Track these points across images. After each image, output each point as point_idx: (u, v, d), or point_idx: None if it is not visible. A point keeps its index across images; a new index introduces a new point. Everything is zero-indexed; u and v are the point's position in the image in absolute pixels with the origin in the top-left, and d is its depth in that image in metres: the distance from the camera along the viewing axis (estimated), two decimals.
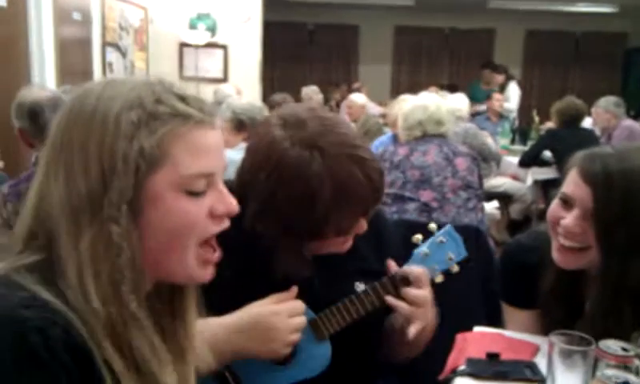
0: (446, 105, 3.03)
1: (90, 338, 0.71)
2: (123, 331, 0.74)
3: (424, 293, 1.22)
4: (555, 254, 1.31)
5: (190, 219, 0.78)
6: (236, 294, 1.17)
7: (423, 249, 1.27)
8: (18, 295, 0.70)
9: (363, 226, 1.20)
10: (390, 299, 1.22)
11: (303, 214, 1.11)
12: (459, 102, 4.79)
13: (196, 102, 0.80)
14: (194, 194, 0.78)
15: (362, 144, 1.16)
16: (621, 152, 1.28)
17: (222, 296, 1.17)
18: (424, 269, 1.24)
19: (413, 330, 1.21)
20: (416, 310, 1.21)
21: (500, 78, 7.60)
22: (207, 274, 0.84)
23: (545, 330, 1.33)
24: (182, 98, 0.79)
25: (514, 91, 7.48)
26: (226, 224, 0.84)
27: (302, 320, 1.16)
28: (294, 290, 1.18)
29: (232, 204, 0.83)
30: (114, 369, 0.72)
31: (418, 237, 1.28)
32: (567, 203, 1.28)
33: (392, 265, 1.25)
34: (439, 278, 1.28)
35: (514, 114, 7.15)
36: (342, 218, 1.14)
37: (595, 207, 1.22)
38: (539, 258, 1.37)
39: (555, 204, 1.32)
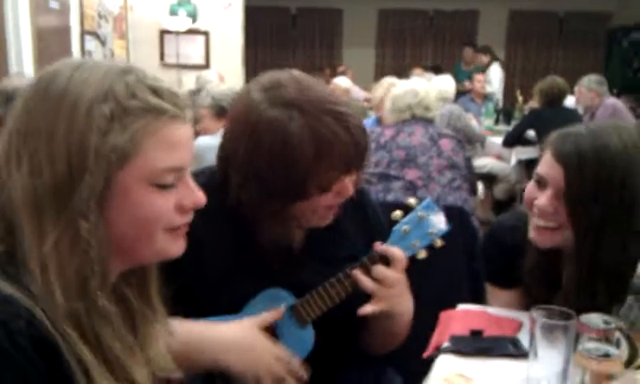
0: (434, 90, 3.07)
1: (55, 330, 0.70)
2: (90, 325, 0.73)
3: (394, 274, 1.19)
4: (532, 234, 1.32)
5: (157, 212, 0.78)
6: (224, 276, 1.16)
7: (403, 225, 1.24)
8: None
9: (348, 188, 1.16)
10: (356, 273, 1.19)
11: (285, 175, 1.08)
12: (446, 84, 4.80)
13: (170, 95, 0.79)
14: (162, 187, 0.78)
15: (342, 102, 1.13)
16: (593, 130, 1.28)
17: (211, 279, 1.16)
18: (401, 251, 1.21)
19: (368, 309, 1.18)
20: (381, 289, 1.18)
21: (484, 58, 7.60)
22: (179, 247, 0.84)
23: (527, 309, 1.34)
24: (156, 91, 0.77)
25: (495, 73, 7.49)
26: (191, 216, 0.84)
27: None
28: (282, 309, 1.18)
29: (199, 197, 0.83)
30: (83, 359, 0.71)
31: (398, 213, 1.25)
32: (541, 183, 1.29)
33: (377, 245, 1.23)
34: (422, 254, 1.25)
35: (497, 96, 7.16)
36: (325, 173, 1.10)
37: (567, 186, 1.23)
38: (521, 237, 1.38)
39: (530, 185, 1.33)
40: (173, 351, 0.95)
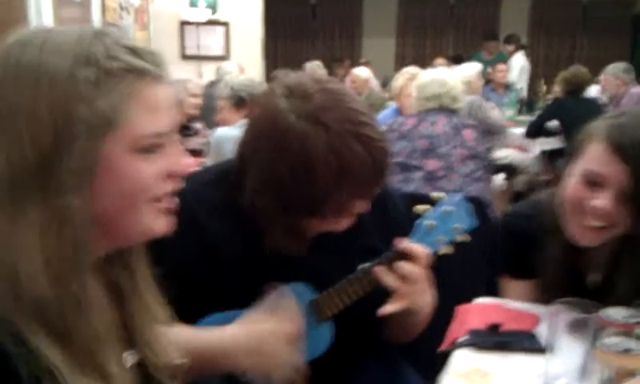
0: (461, 82, 3.04)
1: (10, 330, 0.65)
2: (59, 315, 0.67)
3: (417, 270, 1.16)
4: (578, 233, 1.25)
5: (143, 180, 0.73)
6: (239, 269, 1.15)
7: (428, 220, 1.20)
8: None
9: (364, 207, 1.15)
10: (379, 271, 1.16)
11: (303, 191, 1.06)
12: (471, 71, 4.73)
13: (149, 54, 0.74)
14: (148, 153, 0.73)
15: (369, 121, 1.10)
16: None
17: (225, 272, 1.16)
18: (425, 248, 1.18)
19: (390, 308, 1.15)
20: (404, 287, 1.15)
21: (509, 48, 7.49)
22: (165, 224, 0.79)
23: (543, 300, 1.32)
24: (135, 51, 0.72)
25: (517, 61, 7.38)
26: (180, 183, 0.79)
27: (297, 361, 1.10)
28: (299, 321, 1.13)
29: (185, 164, 0.79)
30: (50, 363, 0.66)
31: (424, 206, 1.21)
32: (595, 183, 1.20)
33: (400, 241, 1.19)
34: (446, 250, 1.21)
35: (519, 85, 7.06)
36: (342, 198, 1.09)
37: (634, 185, 1.15)
38: (537, 226, 1.35)
39: (579, 183, 1.24)
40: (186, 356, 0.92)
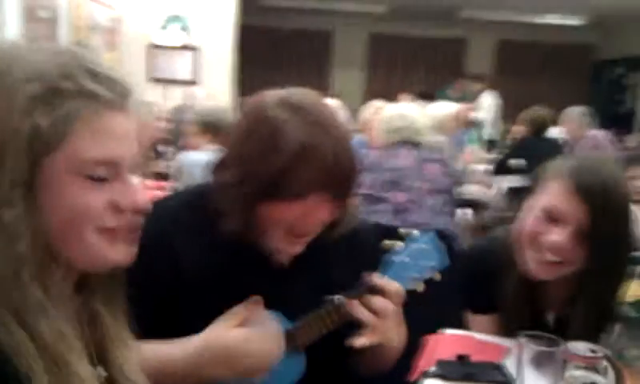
0: (425, 115, 3.10)
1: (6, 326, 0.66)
2: (31, 319, 0.68)
3: (390, 306, 1.15)
4: (533, 266, 1.28)
5: (84, 207, 0.72)
6: (209, 295, 1.13)
7: (403, 257, 1.20)
8: None
9: (319, 214, 1.12)
10: (352, 304, 1.15)
11: (262, 160, 1.07)
12: (444, 110, 4.73)
13: (108, 80, 0.73)
14: (93, 180, 0.72)
15: (341, 126, 1.14)
16: (603, 163, 1.25)
17: (195, 298, 1.14)
18: (398, 285, 1.17)
19: (361, 341, 1.14)
20: (377, 321, 1.14)
21: (477, 86, 7.70)
22: (120, 252, 0.77)
23: (506, 334, 1.33)
24: (94, 75, 0.72)
25: (485, 101, 7.59)
26: (131, 219, 0.76)
27: (279, 345, 1.11)
28: (257, 299, 1.12)
29: (138, 200, 0.76)
30: (30, 359, 0.67)
31: (399, 243, 1.21)
32: (553, 218, 1.23)
33: (373, 276, 1.19)
34: (420, 287, 1.21)
35: (487, 123, 7.26)
36: (299, 179, 1.07)
37: (592, 225, 1.18)
38: (497, 263, 1.36)
39: (537, 218, 1.26)
40: (152, 375, 0.92)
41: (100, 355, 0.81)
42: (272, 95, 1.13)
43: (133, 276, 0.86)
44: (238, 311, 1.10)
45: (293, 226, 1.12)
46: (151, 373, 0.92)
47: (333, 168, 1.08)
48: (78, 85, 0.70)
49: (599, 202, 1.18)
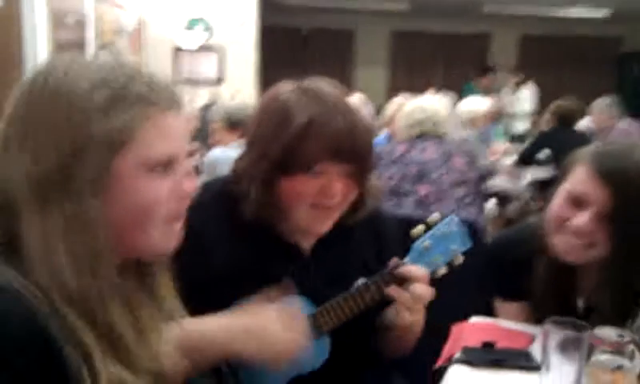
0: (445, 108, 3.10)
1: (54, 318, 0.71)
2: (94, 305, 0.74)
3: (428, 291, 1.19)
4: (560, 249, 1.29)
5: (153, 198, 0.80)
6: (235, 284, 1.16)
7: (424, 241, 1.22)
8: None
9: (333, 187, 1.15)
10: (394, 290, 1.18)
11: (274, 137, 1.13)
12: (478, 106, 4.78)
13: (163, 86, 0.81)
14: (157, 174, 0.79)
15: (356, 112, 1.18)
16: (628, 147, 1.25)
17: (221, 287, 1.16)
18: (423, 269, 1.20)
19: (409, 317, 1.21)
20: (415, 306, 1.19)
21: (514, 79, 7.68)
22: (173, 243, 0.85)
23: (536, 322, 1.33)
24: (150, 82, 0.80)
25: (526, 93, 7.55)
26: (187, 204, 0.86)
27: (305, 335, 1.12)
28: (290, 284, 1.16)
29: (193, 184, 0.85)
30: (85, 345, 0.72)
31: (419, 228, 1.24)
32: (577, 202, 1.25)
33: (398, 263, 1.22)
34: (442, 271, 1.24)
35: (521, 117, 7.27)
36: (309, 150, 1.11)
37: (614, 208, 1.19)
38: (527, 250, 1.37)
39: (561, 202, 1.28)
40: (182, 347, 0.96)
41: (141, 335, 0.84)
42: (286, 84, 1.20)
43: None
44: (272, 294, 1.14)
45: (314, 201, 1.16)
46: (191, 345, 0.98)
47: (342, 139, 1.13)
48: (138, 90, 0.78)
49: (621, 185, 1.19)
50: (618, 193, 1.19)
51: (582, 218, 1.23)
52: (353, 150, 1.15)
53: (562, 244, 1.28)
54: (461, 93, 6.77)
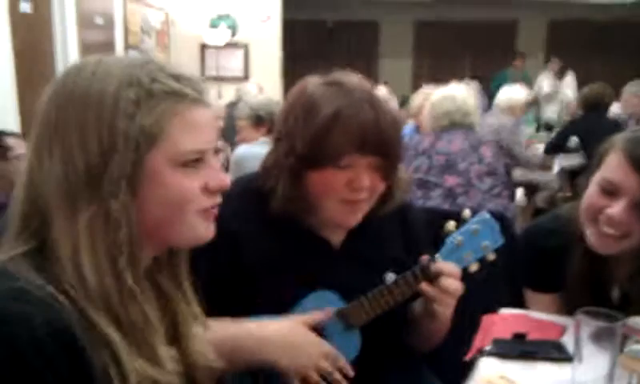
0: (472, 97, 3.06)
1: (80, 318, 0.72)
2: (121, 304, 0.75)
3: (460, 286, 1.20)
4: (594, 240, 1.27)
5: (185, 194, 0.80)
6: (265, 277, 1.18)
7: (456, 237, 1.22)
8: (6, 287, 0.70)
9: (362, 179, 1.16)
10: (425, 287, 1.19)
11: (304, 128, 1.14)
12: (519, 95, 4.77)
13: (189, 81, 0.81)
14: (188, 168, 0.80)
15: (383, 105, 1.18)
16: None
17: (252, 280, 1.19)
18: (455, 266, 1.21)
19: (438, 310, 1.21)
20: (445, 300, 1.20)
21: (553, 66, 7.57)
22: (210, 231, 0.86)
23: (568, 313, 1.32)
24: (176, 77, 0.80)
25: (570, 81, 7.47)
26: (219, 198, 0.86)
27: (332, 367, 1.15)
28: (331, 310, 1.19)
29: (224, 179, 0.85)
30: (112, 343, 0.73)
31: (452, 224, 1.23)
32: (611, 191, 1.23)
33: (429, 259, 1.22)
34: (474, 267, 1.23)
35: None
36: (336, 142, 1.12)
37: None
38: (561, 241, 1.35)
39: (595, 191, 1.26)
40: (219, 348, 0.97)
41: (171, 333, 0.87)
42: (312, 78, 1.21)
43: (197, 265, 0.91)
44: (316, 316, 1.16)
45: (342, 195, 1.16)
46: (219, 347, 0.97)
47: (369, 131, 1.13)
48: (166, 86, 0.78)
49: None
50: None
51: (616, 208, 1.21)
52: (380, 142, 1.14)
53: (595, 235, 1.26)
54: (492, 81, 6.70)
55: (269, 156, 1.24)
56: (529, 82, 7.22)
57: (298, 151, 1.14)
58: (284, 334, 1.12)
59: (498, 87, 5.48)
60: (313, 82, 1.19)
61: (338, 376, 1.14)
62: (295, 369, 1.12)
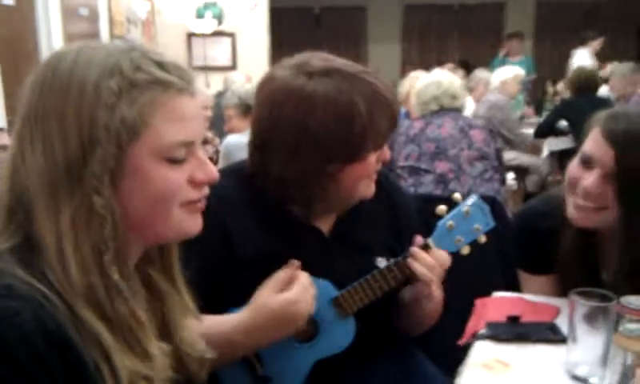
0: (458, 80, 3.08)
1: (69, 315, 0.70)
2: (108, 301, 0.73)
3: (448, 257, 1.23)
4: (571, 212, 1.29)
5: (170, 187, 0.78)
6: (256, 267, 1.17)
7: (448, 220, 1.23)
8: None
9: (386, 152, 1.21)
10: (411, 261, 1.20)
11: (344, 134, 1.11)
12: (509, 73, 4.93)
13: (175, 68, 0.78)
14: (174, 161, 0.77)
15: (366, 68, 1.20)
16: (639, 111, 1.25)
17: (243, 270, 1.18)
18: (444, 253, 1.22)
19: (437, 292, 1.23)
20: (430, 277, 1.20)
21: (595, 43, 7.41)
22: (196, 224, 0.84)
23: (562, 295, 1.32)
24: (161, 65, 0.77)
25: (581, 58, 7.38)
26: (206, 191, 0.83)
27: (313, 291, 1.15)
28: (295, 263, 1.16)
29: (211, 172, 0.82)
30: (102, 341, 0.71)
31: (443, 208, 1.24)
32: (587, 163, 1.25)
33: (418, 240, 1.23)
34: (466, 250, 1.24)
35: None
36: (379, 126, 1.15)
37: (617, 167, 1.19)
38: (553, 222, 1.35)
39: (575, 163, 1.29)
40: (210, 341, 0.95)
41: (163, 327, 0.85)
42: (283, 69, 1.16)
43: (188, 256, 0.90)
44: (280, 276, 1.14)
45: (373, 171, 1.21)
46: (209, 343, 0.95)
47: (394, 102, 1.18)
48: (150, 75, 0.75)
49: (623, 145, 1.19)
50: (620, 151, 1.19)
51: (589, 179, 1.23)
52: (397, 107, 1.20)
53: (572, 206, 1.28)
54: (490, 64, 6.69)
55: (284, 170, 1.15)
56: (530, 67, 7.14)
57: (337, 155, 1.13)
58: (267, 316, 1.11)
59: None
60: (300, 82, 1.12)
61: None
62: (289, 332, 1.13)
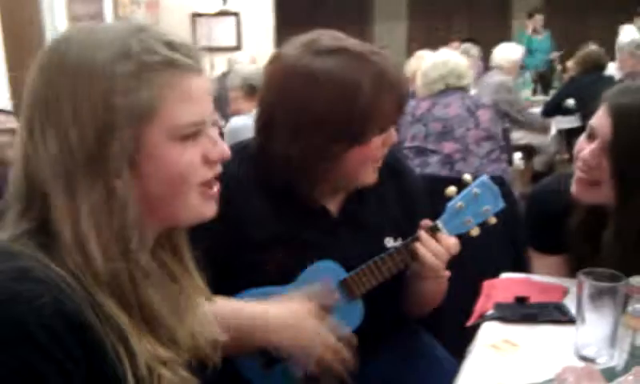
0: (464, 59, 3.06)
1: (88, 298, 0.70)
2: (133, 287, 0.73)
3: (456, 242, 1.22)
4: (572, 186, 1.30)
5: (186, 166, 0.77)
6: (265, 247, 1.17)
7: (457, 201, 1.22)
8: (11, 266, 0.68)
9: (392, 135, 1.20)
10: (417, 246, 1.20)
11: (348, 112, 1.10)
12: (514, 52, 4.87)
13: (184, 47, 0.77)
14: (187, 141, 0.77)
15: (372, 45, 1.19)
16: None
17: (253, 251, 1.18)
18: (454, 239, 1.22)
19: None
20: (437, 262, 1.20)
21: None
22: (211, 208, 0.84)
23: (572, 274, 1.32)
24: (170, 45, 0.76)
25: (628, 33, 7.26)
26: (219, 169, 0.83)
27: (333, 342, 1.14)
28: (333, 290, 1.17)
29: (224, 149, 0.82)
30: (120, 326, 0.71)
31: (452, 189, 1.23)
32: (591, 136, 1.26)
33: (427, 222, 1.23)
34: (475, 231, 1.23)
35: None
36: (385, 108, 1.13)
37: (613, 138, 1.20)
38: (563, 201, 1.35)
39: (582, 137, 1.30)
40: (223, 324, 0.95)
41: (178, 309, 0.84)
42: (293, 48, 1.15)
43: (197, 238, 0.90)
44: (316, 290, 1.15)
45: (379, 155, 1.19)
46: (222, 323, 0.96)
47: (403, 84, 1.18)
48: (161, 56, 0.74)
49: (620, 116, 1.20)
50: (618, 123, 1.19)
51: (587, 149, 1.24)
52: (406, 90, 1.20)
53: (574, 179, 1.29)
54: (518, 41, 6.65)
55: (288, 148, 1.14)
56: (547, 46, 7.08)
57: (341, 136, 1.12)
58: (287, 316, 1.11)
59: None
60: (306, 60, 1.11)
61: (343, 350, 1.13)
62: (300, 349, 1.12)
